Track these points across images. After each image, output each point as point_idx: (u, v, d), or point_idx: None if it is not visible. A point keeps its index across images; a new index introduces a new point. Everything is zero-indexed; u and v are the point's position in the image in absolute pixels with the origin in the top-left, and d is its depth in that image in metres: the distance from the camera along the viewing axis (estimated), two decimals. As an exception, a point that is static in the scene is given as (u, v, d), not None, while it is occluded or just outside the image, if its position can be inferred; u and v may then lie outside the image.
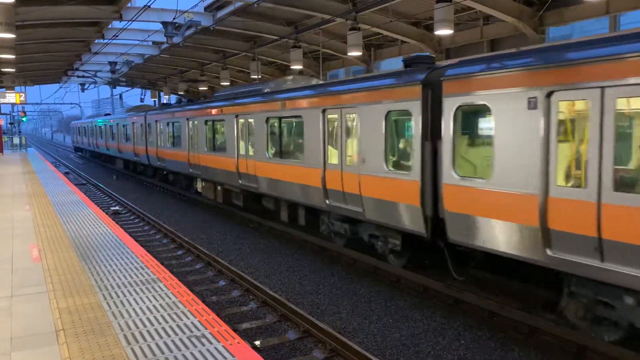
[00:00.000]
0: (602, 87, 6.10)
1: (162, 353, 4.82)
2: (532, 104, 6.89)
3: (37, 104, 68.59)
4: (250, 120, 14.78)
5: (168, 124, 22.39)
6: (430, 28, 19.57)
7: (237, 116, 15.51)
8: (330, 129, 11.43)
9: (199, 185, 19.95)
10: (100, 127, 38.89)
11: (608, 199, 6.08)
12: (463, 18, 18.84)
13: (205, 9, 21.84)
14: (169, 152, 22.41)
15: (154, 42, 28.29)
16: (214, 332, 5.27)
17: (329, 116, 11.37)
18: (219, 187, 17.91)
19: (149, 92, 46.49)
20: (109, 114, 41.42)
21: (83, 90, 41.65)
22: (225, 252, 13.18)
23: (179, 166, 21.28)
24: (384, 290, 9.92)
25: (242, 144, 15.43)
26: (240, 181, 15.56)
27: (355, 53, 18.55)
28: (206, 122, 18.02)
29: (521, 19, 16.39)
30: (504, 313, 8.17)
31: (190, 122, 19.64)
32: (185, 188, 22.65)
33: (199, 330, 5.34)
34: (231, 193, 17.30)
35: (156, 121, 24.12)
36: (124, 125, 30.83)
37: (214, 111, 17.33)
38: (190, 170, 19.89)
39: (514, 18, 16.35)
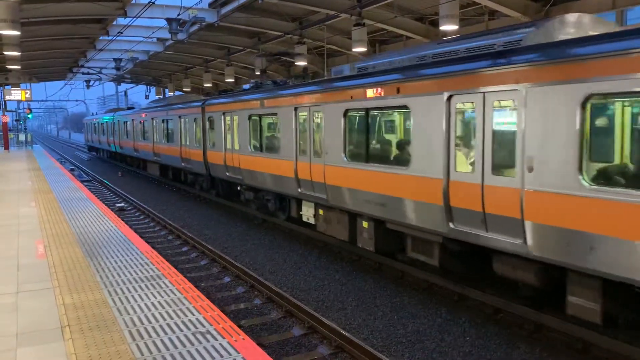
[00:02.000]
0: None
1: (167, 349, 4.82)
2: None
3: (42, 101, 68.86)
4: (505, 100, 7.33)
5: (250, 117, 15.06)
6: (435, 23, 19.48)
7: (450, 98, 8.08)
8: None
9: (308, 213, 12.81)
10: (125, 123, 31.94)
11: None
12: (468, 13, 18.73)
13: (210, 5, 21.84)
14: (251, 160, 15.08)
15: (158, 39, 28.40)
16: (218, 329, 5.27)
17: None
18: (365, 224, 10.62)
19: (153, 89, 46.61)
20: (132, 107, 35.67)
21: (88, 87, 41.76)
22: (230, 248, 13.19)
23: (272, 182, 13.95)
24: (389, 286, 9.91)
25: (461, 153, 8.11)
26: (452, 224, 8.18)
27: (360, 49, 18.48)
28: (347, 112, 10.62)
29: (527, 14, 16.29)
30: (509, 309, 8.15)
31: (303, 114, 12.38)
32: (272, 213, 15.57)
33: (204, 326, 5.34)
34: (407, 238, 9.60)
35: (224, 114, 16.99)
36: (164, 121, 23.95)
37: (372, 92, 9.75)
38: (300, 190, 12.57)
39: (520, 13, 16.25)
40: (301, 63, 22.30)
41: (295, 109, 12.60)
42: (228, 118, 16.82)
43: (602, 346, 6.90)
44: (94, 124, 45.19)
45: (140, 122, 28.14)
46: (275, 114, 13.60)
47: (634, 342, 6.73)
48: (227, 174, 17.14)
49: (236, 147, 16.15)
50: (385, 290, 9.72)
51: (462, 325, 8.09)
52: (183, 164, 21.57)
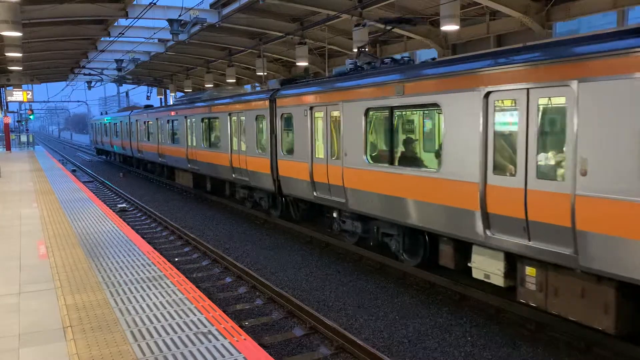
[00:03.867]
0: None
1: (169, 349, 4.83)
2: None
3: (44, 102, 69.07)
4: None
5: (368, 112, 10.30)
6: (436, 24, 19.48)
7: None
8: None
9: (490, 269, 7.95)
10: (146, 123, 27.58)
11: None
12: (469, 13, 18.74)
13: (211, 6, 21.87)
14: (368, 176, 10.29)
15: (159, 40, 28.42)
16: (220, 329, 5.28)
17: None
18: None
19: (155, 90, 46.66)
20: (150, 106, 31.01)
21: (89, 88, 41.81)
22: (232, 248, 13.20)
23: (414, 212, 9.16)
24: (390, 286, 9.91)
25: None
26: None
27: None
28: None
29: (528, 14, 16.29)
30: (511, 309, 8.15)
31: (502, 102, 7.37)
32: (394, 253, 10.65)
33: (205, 326, 5.35)
34: None
35: (312, 108, 12.27)
36: (203, 120, 19.41)
37: None
38: (490, 232, 7.61)
39: (521, 13, 16.25)
40: (302, 63, 22.32)
41: (487, 95, 7.46)
42: (319, 115, 12.05)
43: (604, 346, 6.89)
44: (104, 124, 39.37)
45: (168, 121, 23.56)
46: (435, 106, 8.67)
47: (636, 341, 6.72)
48: (315, 193, 12.35)
49: (335, 156, 11.47)
50: (386, 290, 9.72)
51: (463, 325, 8.09)
52: (234, 175, 16.99)
